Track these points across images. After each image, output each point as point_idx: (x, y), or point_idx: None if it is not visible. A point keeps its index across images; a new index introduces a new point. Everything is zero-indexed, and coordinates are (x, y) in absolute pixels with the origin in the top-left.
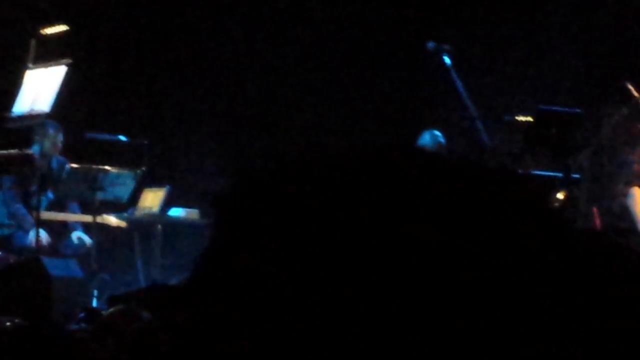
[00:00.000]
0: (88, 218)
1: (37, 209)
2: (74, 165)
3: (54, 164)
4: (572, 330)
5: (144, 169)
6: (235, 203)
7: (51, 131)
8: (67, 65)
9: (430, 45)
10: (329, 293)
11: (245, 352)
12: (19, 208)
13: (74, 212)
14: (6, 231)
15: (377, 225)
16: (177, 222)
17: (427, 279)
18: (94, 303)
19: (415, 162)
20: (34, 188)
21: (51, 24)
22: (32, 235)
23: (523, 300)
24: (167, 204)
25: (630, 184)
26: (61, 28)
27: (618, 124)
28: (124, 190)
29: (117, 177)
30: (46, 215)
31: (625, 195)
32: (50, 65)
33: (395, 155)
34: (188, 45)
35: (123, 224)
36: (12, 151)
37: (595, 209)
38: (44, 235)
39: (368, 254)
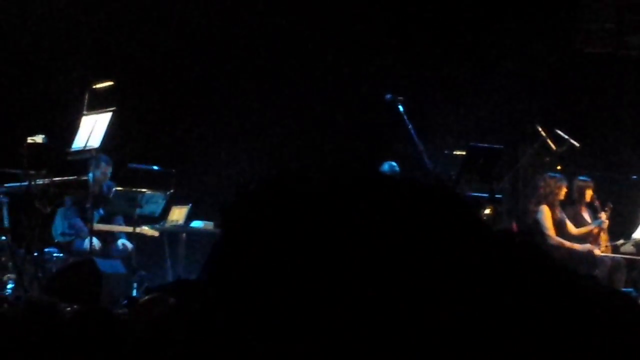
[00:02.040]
0: (129, 229)
1: (91, 221)
2: (119, 188)
3: (104, 188)
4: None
5: (172, 191)
6: (234, 212)
7: (102, 163)
8: (112, 112)
9: (388, 97)
10: (312, 281)
11: (243, 327)
12: (77, 221)
13: (119, 224)
14: (68, 238)
15: (354, 229)
16: (197, 232)
17: (391, 271)
18: (134, 293)
19: (384, 182)
20: (88, 205)
21: (100, 80)
22: (87, 241)
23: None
24: (190, 217)
25: (540, 203)
26: (108, 84)
27: (530, 157)
28: (156, 207)
29: (151, 197)
30: (98, 226)
31: (536, 212)
32: (100, 112)
33: (366, 177)
34: (203, 95)
35: (156, 233)
36: (72, 178)
37: (514, 223)
38: (96, 242)
39: (344, 249)
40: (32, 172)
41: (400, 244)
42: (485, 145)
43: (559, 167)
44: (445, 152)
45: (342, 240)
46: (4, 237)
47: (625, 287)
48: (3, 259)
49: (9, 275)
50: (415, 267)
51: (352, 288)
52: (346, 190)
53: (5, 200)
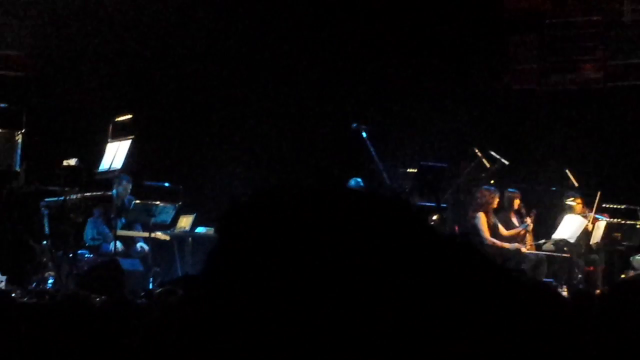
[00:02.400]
0: (146, 234)
1: (115, 228)
2: (138, 201)
3: (126, 201)
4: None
5: (180, 203)
6: (228, 220)
7: (124, 181)
8: (131, 139)
9: (354, 125)
10: (291, 278)
11: (237, 317)
12: (104, 228)
13: (137, 230)
14: (96, 242)
15: (325, 233)
16: (201, 236)
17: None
18: (150, 286)
19: (351, 195)
20: (113, 216)
21: (121, 114)
22: (112, 245)
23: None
24: (195, 224)
25: (477, 210)
26: (127, 116)
27: (469, 173)
28: (168, 217)
29: (163, 209)
30: (120, 232)
31: (474, 218)
32: (121, 140)
33: (336, 191)
34: (204, 126)
35: (167, 237)
36: (99, 193)
37: (456, 227)
38: (119, 245)
39: (318, 251)
40: (67, 189)
41: (363, 247)
42: (433, 164)
43: (492, 181)
44: (400, 170)
45: (317, 243)
46: (45, 242)
47: (546, 278)
48: (44, 259)
49: (49, 272)
50: (376, 265)
51: (325, 283)
52: (320, 202)
53: (45, 212)
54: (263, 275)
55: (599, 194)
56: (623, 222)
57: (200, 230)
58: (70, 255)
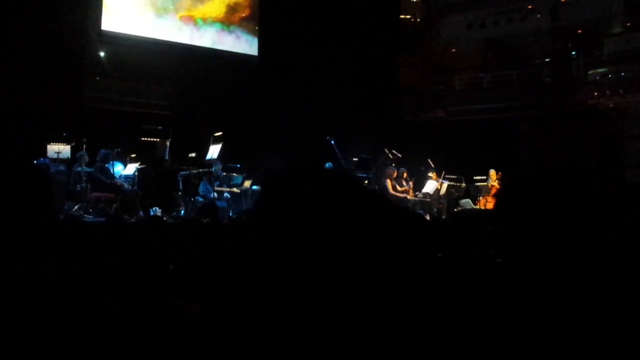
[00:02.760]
0: (228, 189)
1: (213, 186)
2: (224, 174)
3: (219, 173)
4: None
5: (245, 174)
6: (267, 182)
7: (218, 164)
8: (222, 143)
9: (328, 138)
10: (307, 213)
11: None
12: (208, 186)
13: (225, 187)
14: (204, 193)
15: (318, 187)
16: (254, 190)
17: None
18: (230, 214)
19: (329, 171)
20: (212, 180)
21: (217, 131)
22: (212, 195)
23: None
24: (252, 185)
25: (386, 178)
26: (220, 133)
27: (382, 161)
28: (238, 181)
29: (237, 177)
30: (216, 189)
31: (384, 182)
32: (217, 143)
33: (321, 169)
34: (255, 132)
35: (239, 191)
36: (206, 169)
37: (376, 187)
38: (215, 195)
39: (321, 200)
40: (190, 167)
41: (338, 193)
42: (366, 156)
43: (393, 164)
44: (350, 159)
45: (313, 191)
46: (179, 193)
47: (419, 211)
48: (179, 201)
49: (181, 207)
50: (344, 199)
51: (322, 208)
52: (313, 173)
53: (180, 179)
54: (283, 208)
55: (444, 171)
56: (455, 184)
57: (254, 187)
58: (192, 199)
